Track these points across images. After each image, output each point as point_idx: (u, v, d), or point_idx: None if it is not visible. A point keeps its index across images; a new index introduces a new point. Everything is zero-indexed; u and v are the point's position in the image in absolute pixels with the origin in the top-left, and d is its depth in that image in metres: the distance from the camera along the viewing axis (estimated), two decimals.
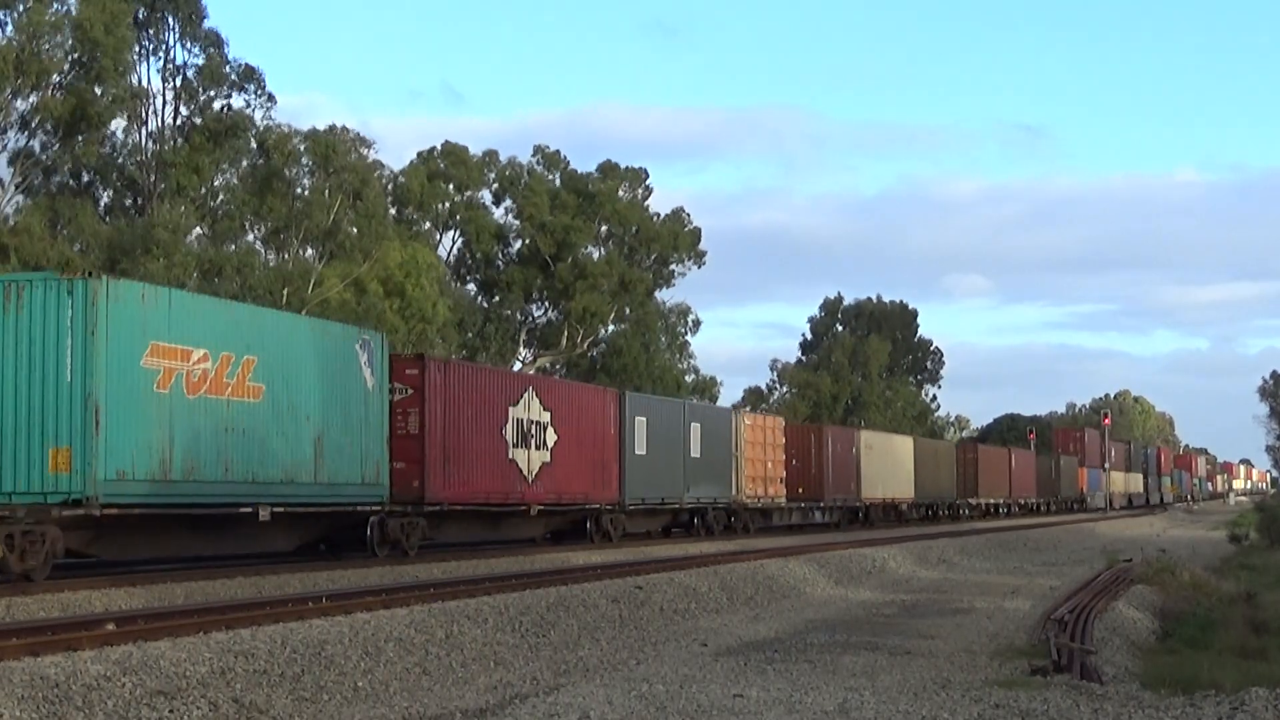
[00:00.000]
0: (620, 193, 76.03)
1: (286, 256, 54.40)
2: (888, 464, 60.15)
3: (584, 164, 77.39)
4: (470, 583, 22.80)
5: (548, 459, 34.37)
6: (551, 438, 34.65)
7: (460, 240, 75.25)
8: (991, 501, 76.38)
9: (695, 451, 42.90)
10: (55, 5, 46.21)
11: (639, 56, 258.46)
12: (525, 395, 33.78)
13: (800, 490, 51.62)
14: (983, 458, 75.75)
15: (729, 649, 19.34)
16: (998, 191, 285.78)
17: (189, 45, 53.58)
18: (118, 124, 51.71)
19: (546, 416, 34.49)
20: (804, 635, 21.22)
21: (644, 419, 39.89)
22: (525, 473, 33.39)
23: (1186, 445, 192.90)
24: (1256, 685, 14.80)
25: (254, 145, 54.44)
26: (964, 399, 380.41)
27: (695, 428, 43.27)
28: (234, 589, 22.33)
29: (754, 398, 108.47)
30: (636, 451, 39.09)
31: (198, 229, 51.68)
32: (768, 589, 27.79)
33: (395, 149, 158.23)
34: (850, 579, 32.27)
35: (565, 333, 75.40)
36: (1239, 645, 20.53)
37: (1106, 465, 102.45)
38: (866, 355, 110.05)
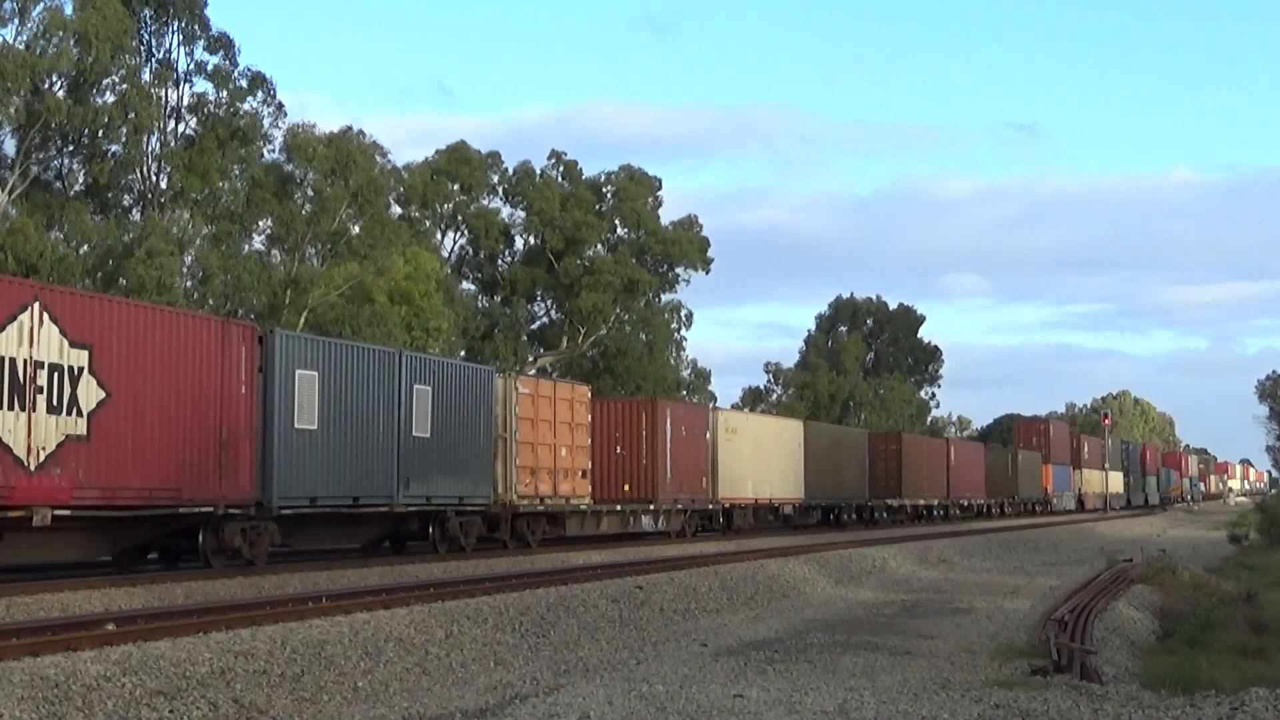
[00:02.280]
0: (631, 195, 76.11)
1: (293, 260, 54.30)
2: (763, 455, 47.98)
3: (581, 162, 77.57)
4: (470, 583, 22.82)
5: (81, 430, 21.71)
6: (92, 394, 21.96)
7: (464, 239, 75.32)
8: (922, 503, 64.14)
9: (421, 428, 30.05)
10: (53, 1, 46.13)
11: (629, 54, 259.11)
12: (23, 319, 20.75)
13: (626, 488, 39.53)
14: (910, 450, 62.38)
15: (729, 649, 19.34)
16: (993, 191, 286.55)
17: (191, 49, 53.48)
18: (118, 126, 51.57)
19: (80, 357, 21.76)
20: (804, 635, 21.24)
21: (314, 374, 26.70)
22: (21, 453, 20.70)
23: (1186, 445, 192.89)
24: (1256, 685, 14.82)
25: (264, 150, 54.28)
26: (964, 399, 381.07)
27: (421, 393, 30.14)
28: (234, 589, 22.33)
29: (752, 397, 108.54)
30: (299, 425, 26.23)
31: (201, 233, 51.54)
32: (768, 589, 27.83)
33: (388, 147, 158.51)
34: (850, 579, 32.35)
35: (566, 332, 75.38)
36: (1239, 645, 20.58)
37: (1106, 464, 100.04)
38: (839, 352, 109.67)
